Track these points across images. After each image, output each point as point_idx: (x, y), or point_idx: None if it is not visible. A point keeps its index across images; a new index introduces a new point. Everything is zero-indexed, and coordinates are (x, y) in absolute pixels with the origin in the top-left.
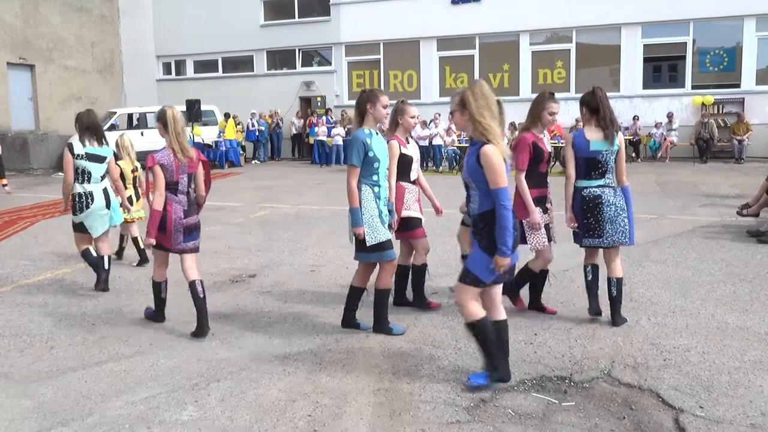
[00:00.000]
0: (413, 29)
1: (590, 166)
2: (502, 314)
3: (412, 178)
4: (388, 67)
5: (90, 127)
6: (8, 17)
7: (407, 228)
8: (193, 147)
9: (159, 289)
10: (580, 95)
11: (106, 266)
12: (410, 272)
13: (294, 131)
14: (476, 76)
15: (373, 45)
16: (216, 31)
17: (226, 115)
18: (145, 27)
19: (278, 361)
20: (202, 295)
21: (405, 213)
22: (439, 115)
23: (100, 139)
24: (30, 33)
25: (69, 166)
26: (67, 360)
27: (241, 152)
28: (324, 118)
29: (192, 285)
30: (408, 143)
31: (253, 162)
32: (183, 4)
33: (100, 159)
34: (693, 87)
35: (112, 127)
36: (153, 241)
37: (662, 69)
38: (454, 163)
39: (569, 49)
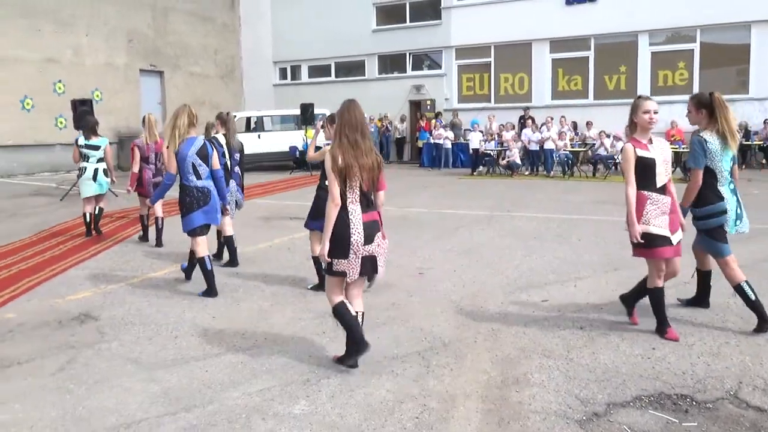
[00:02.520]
0: (525, 31)
1: None
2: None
3: (658, 185)
4: (499, 70)
5: (87, 127)
6: (142, 27)
7: (643, 245)
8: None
9: (143, 219)
10: None
11: (88, 220)
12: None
13: (398, 135)
14: (591, 78)
15: (484, 48)
16: (329, 37)
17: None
18: (263, 34)
19: (386, 361)
20: (161, 226)
21: (643, 227)
22: (552, 118)
23: (95, 134)
24: (160, 42)
25: (75, 151)
26: (189, 349)
27: None
28: (435, 121)
29: (156, 219)
30: (651, 143)
31: None
32: (299, 12)
33: (95, 147)
34: None
35: None
36: (131, 189)
37: None
38: (566, 168)
39: (692, 49)
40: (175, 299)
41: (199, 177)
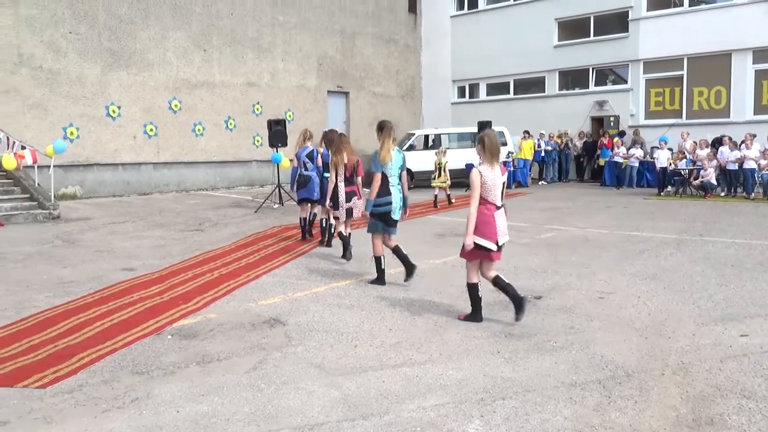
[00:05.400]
0: (724, 41)
1: None
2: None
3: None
4: (693, 84)
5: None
6: (331, 51)
7: None
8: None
9: (321, 222)
10: None
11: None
12: None
13: (576, 152)
14: None
15: (676, 60)
16: (510, 54)
17: (526, 133)
18: (443, 54)
19: (564, 387)
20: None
21: None
22: (754, 136)
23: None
24: (347, 64)
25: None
26: (368, 359)
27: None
28: (620, 138)
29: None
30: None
31: (539, 183)
32: (479, 31)
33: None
34: None
35: (410, 148)
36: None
37: None
38: None
39: None
40: (354, 309)
41: (306, 169)
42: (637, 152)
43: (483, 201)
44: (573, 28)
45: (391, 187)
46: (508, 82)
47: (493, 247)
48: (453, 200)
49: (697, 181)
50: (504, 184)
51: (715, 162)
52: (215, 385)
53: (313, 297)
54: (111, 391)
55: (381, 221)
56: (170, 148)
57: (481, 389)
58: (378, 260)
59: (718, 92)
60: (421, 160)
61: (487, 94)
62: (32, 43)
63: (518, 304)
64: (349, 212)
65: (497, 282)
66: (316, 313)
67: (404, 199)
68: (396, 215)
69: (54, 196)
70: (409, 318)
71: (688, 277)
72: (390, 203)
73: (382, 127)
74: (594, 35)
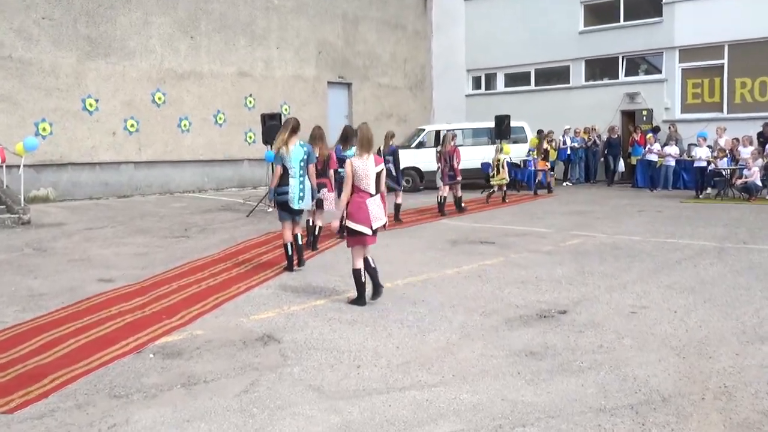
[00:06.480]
0: None
1: None
2: None
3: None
4: (734, 74)
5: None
6: (331, 38)
7: None
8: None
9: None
10: None
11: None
12: None
13: (603, 150)
14: None
15: (716, 48)
16: (530, 42)
17: (539, 133)
18: (457, 41)
19: (592, 413)
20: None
21: None
22: None
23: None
24: (349, 52)
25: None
26: (372, 381)
27: (551, 173)
28: (653, 135)
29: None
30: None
31: (564, 184)
32: (496, 15)
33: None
34: None
35: (420, 145)
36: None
37: None
38: None
39: None
40: (357, 325)
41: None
42: (673, 150)
43: (357, 189)
44: (600, 13)
45: (290, 179)
46: (529, 72)
47: (368, 231)
48: (507, 199)
49: (740, 182)
50: (379, 174)
51: (760, 161)
52: (202, 409)
53: (311, 311)
54: (86, 417)
55: (283, 210)
56: (153, 145)
57: (499, 415)
58: (286, 247)
59: (762, 83)
60: (432, 159)
61: (505, 86)
62: (1, 30)
63: (376, 290)
64: (319, 203)
65: (366, 265)
66: (314, 329)
67: (313, 190)
68: (294, 204)
69: (24, 199)
70: (418, 335)
71: (731, 289)
72: (287, 192)
73: (282, 123)
74: (624, 20)
